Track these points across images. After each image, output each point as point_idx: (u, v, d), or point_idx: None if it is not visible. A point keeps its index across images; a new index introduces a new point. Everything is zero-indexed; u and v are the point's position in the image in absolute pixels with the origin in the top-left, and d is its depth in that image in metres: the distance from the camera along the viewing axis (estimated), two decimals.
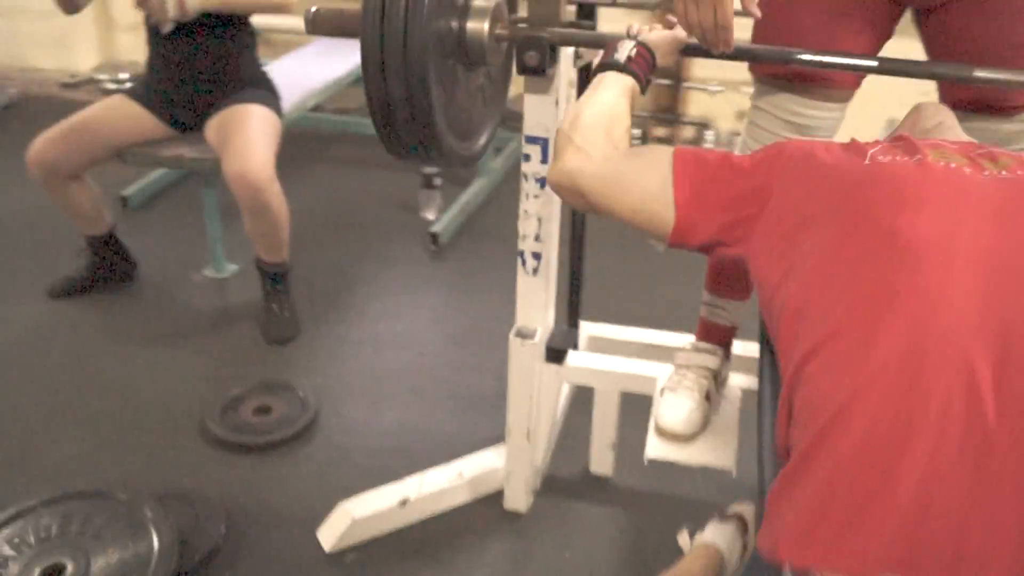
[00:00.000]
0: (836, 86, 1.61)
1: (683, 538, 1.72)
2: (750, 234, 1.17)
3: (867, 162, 1.12)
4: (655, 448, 1.80)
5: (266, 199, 2.39)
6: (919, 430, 0.88)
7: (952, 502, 0.87)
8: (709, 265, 1.90)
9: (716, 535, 1.63)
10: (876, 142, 1.20)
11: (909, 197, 1.04)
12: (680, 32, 1.49)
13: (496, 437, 2.09)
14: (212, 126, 2.51)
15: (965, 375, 0.89)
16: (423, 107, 1.47)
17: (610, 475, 2.14)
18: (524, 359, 1.88)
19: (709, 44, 1.45)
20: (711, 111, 3.80)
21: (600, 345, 2.15)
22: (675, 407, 1.82)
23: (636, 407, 2.05)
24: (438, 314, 2.81)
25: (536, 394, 1.93)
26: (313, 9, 1.63)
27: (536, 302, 1.89)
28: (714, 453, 1.79)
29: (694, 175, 1.22)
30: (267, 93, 2.59)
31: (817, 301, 1.01)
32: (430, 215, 3.30)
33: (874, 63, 1.49)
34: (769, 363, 1.36)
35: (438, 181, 3.29)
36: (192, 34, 2.49)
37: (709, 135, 3.79)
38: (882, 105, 2.49)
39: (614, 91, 1.39)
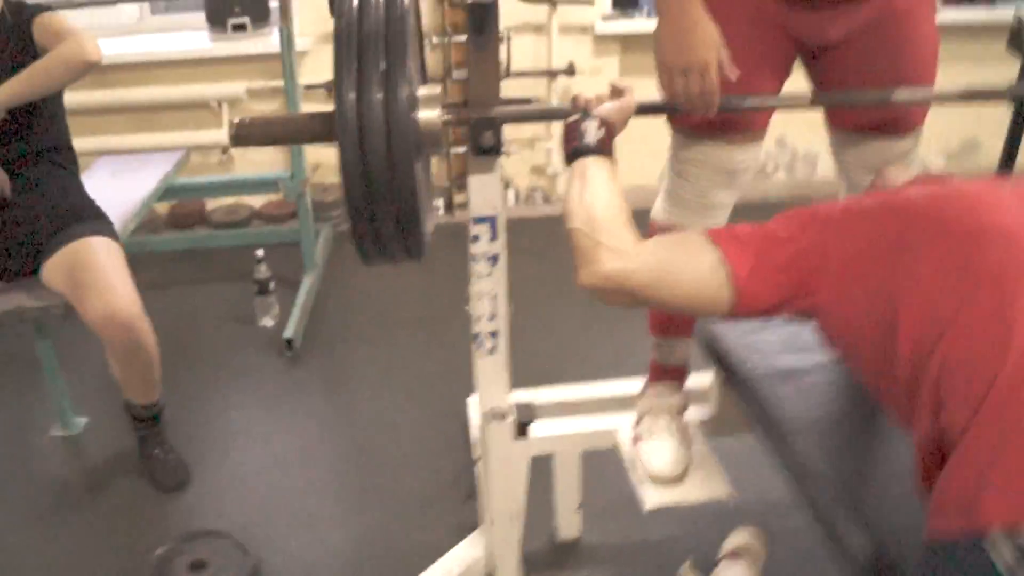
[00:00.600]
0: (757, 128, 1.72)
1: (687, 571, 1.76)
2: (821, 287, 1.26)
3: (912, 195, 1.23)
4: (653, 497, 1.83)
5: (139, 337, 2.18)
6: None
7: None
8: (652, 312, 1.96)
9: (741, 573, 1.67)
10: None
11: (978, 201, 1.15)
12: (632, 100, 1.52)
13: (455, 528, 2.06)
14: (53, 268, 2.24)
15: None
16: (410, 205, 1.44)
17: (579, 536, 2.14)
18: (502, 441, 1.84)
19: (692, 110, 1.51)
20: (507, 171, 3.91)
21: (547, 410, 2.15)
22: (659, 452, 1.86)
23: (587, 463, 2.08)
24: (327, 421, 2.68)
25: (515, 474, 1.90)
26: (237, 120, 1.54)
27: (499, 381, 1.86)
28: (708, 486, 1.85)
29: (742, 251, 1.29)
30: (103, 222, 2.36)
31: (940, 301, 1.10)
32: (268, 322, 3.14)
33: (807, 97, 1.63)
34: None
35: (272, 285, 3.14)
36: (10, 166, 2.24)
37: (509, 194, 3.89)
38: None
39: (604, 178, 1.41)
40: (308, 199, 3.34)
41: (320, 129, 1.55)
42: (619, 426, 2.02)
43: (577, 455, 2.05)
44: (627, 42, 3.76)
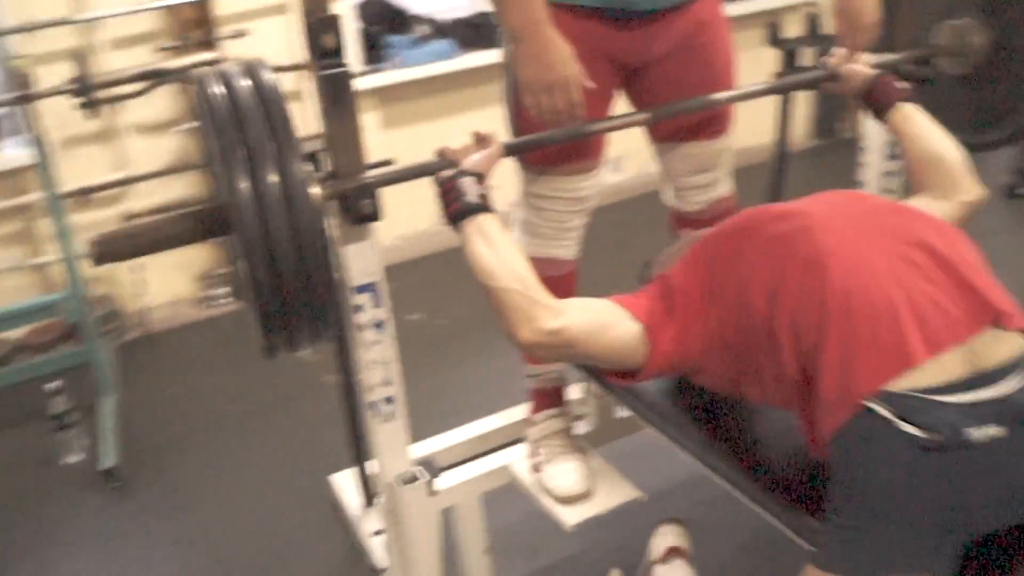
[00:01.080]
0: (598, 156, 1.86)
1: None
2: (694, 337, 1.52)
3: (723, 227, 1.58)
4: (571, 515, 1.90)
5: None
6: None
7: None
8: None
9: (681, 572, 1.75)
10: None
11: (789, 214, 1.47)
12: (498, 146, 1.60)
13: None
14: None
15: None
16: (324, 284, 1.43)
17: None
18: (416, 502, 1.83)
19: (560, 125, 1.62)
20: None
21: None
22: (565, 474, 1.93)
23: None
24: (183, 545, 2.48)
25: (431, 533, 1.89)
26: (96, 236, 1.46)
27: (400, 445, 1.86)
28: (617, 492, 1.94)
29: (641, 304, 1.54)
30: None
31: (772, 280, 1.41)
32: (75, 458, 2.88)
33: (649, 114, 1.79)
34: None
35: (72, 417, 2.88)
36: None
37: None
38: None
39: (505, 235, 1.53)
40: (91, 316, 3.11)
41: (203, 227, 1.50)
42: (511, 459, 2.08)
43: (478, 498, 2.08)
44: (384, 94, 3.84)
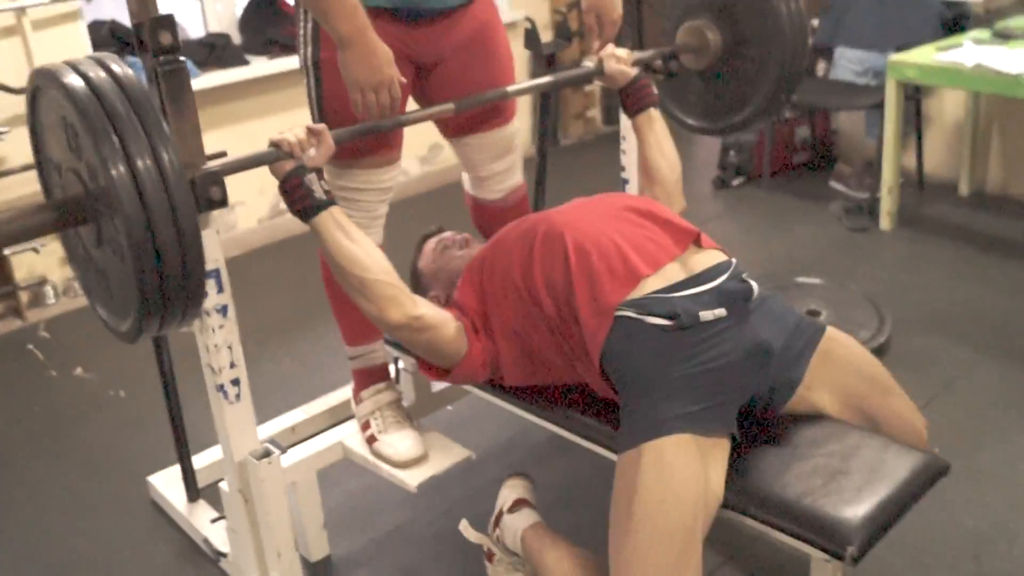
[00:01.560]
0: (398, 149, 2.04)
1: (466, 528, 2.03)
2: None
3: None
4: (414, 477, 2.06)
5: None
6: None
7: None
8: (347, 327, 2.15)
9: (528, 519, 1.96)
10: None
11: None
12: (331, 140, 1.76)
13: None
14: None
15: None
16: (196, 260, 1.51)
17: (330, 553, 2.26)
18: (271, 477, 1.91)
19: (381, 119, 1.81)
20: (43, 269, 3.67)
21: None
22: (401, 441, 2.08)
23: None
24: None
25: (283, 506, 1.98)
26: None
27: (249, 424, 1.94)
28: (449, 453, 2.12)
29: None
30: None
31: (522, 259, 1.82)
32: None
33: (452, 105, 1.99)
34: None
35: None
36: None
37: (48, 290, 3.67)
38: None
39: (354, 226, 1.75)
40: None
41: (63, 217, 1.53)
42: (343, 436, 2.21)
43: (314, 475, 2.18)
44: None
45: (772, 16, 2.32)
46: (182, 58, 1.67)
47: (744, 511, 1.61)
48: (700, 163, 4.69)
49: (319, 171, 1.75)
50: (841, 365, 1.76)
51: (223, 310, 1.84)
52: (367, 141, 1.92)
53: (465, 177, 2.30)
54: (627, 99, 2.19)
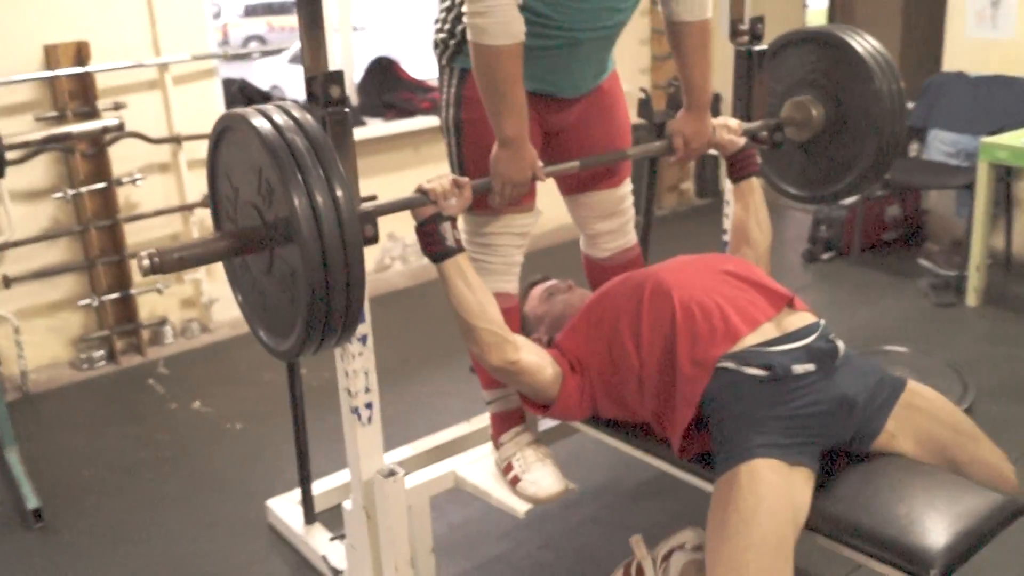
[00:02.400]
0: (534, 198, 2.20)
1: (638, 542, 2.15)
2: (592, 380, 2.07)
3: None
4: (522, 505, 2.18)
5: None
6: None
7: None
8: (482, 374, 2.28)
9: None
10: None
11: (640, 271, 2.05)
12: (470, 194, 1.94)
13: None
14: None
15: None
16: (359, 288, 1.68)
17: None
18: (395, 495, 2.07)
19: (510, 203, 2.03)
20: (159, 309, 3.93)
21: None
22: (543, 478, 2.20)
23: None
24: None
25: (404, 523, 2.12)
26: (148, 253, 1.66)
27: (377, 446, 2.10)
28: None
29: (555, 357, 2.05)
30: None
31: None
32: None
33: (577, 163, 2.16)
34: None
35: None
36: None
37: (167, 330, 3.91)
38: None
39: (475, 275, 1.95)
40: None
41: (239, 244, 1.74)
42: (454, 467, 2.35)
43: (427, 500, 2.32)
44: None
45: (873, 95, 2.45)
46: (347, 109, 1.88)
47: (829, 534, 1.72)
48: (791, 236, 4.81)
49: (454, 220, 1.94)
50: (924, 415, 1.88)
51: (363, 339, 2.02)
52: None
53: (581, 237, 2.46)
54: (733, 166, 2.35)
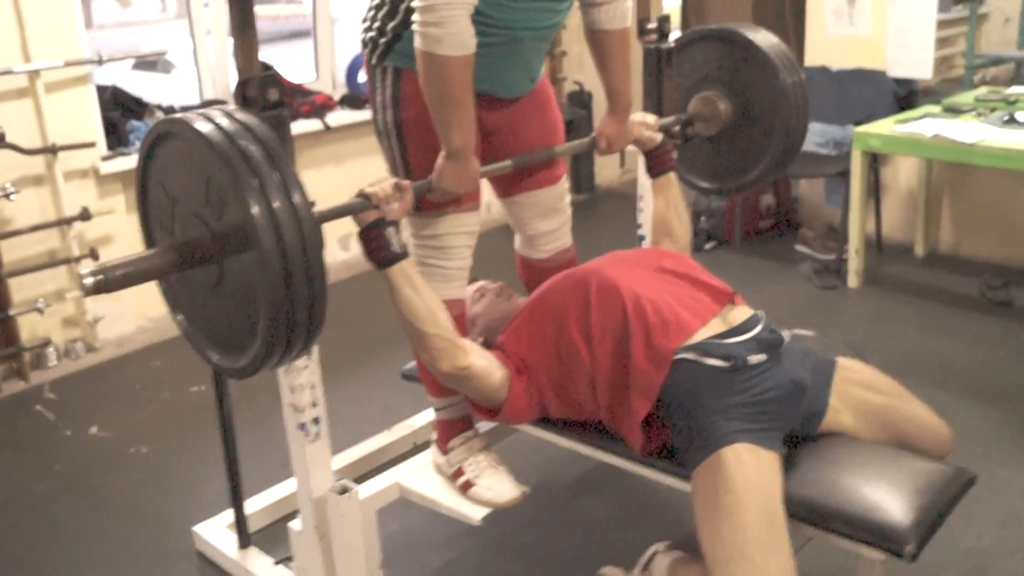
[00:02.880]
0: (478, 196, 2.17)
1: (612, 571, 2.17)
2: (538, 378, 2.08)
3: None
4: (476, 511, 2.16)
5: None
6: None
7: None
8: (428, 381, 2.24)
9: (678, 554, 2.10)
10: None
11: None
12: (411, 197, 1.92)
13: None
14: None
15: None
16: (321, 293, 1.61)
17: None
18: (351, 510, 2.01)
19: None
20: (39, 331, 3.69)
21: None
22: (498, 485, 2.17)
23: None
24: None
25: (361, 536, 2.07)
26: (91, 271, 1.56)
27: (326, 462, 2.04)
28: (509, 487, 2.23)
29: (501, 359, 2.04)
30: None
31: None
32: None
33: (510, 162, 2.16)
34: None
35: None
36: None
37: (51, 352, 3.69)
38: None
39: (422, 279, 1.93)
40: None
41: (183, 258, 1.65)
42: (398, 477, 2.30)
43: (374, 514, 2.27)
44: (127, 179, 3.83)
45: (778, 90, 2.54)
46: (285, 113, 1.82)
47: (803, 519, 1.78)
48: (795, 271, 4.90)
49: (397, 225, 1.90)
50: (859, 386, 2.00)
51: (309, 352, 1.95)
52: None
53: (516, 238, 2.45)
54: (651, 162, 2.40)
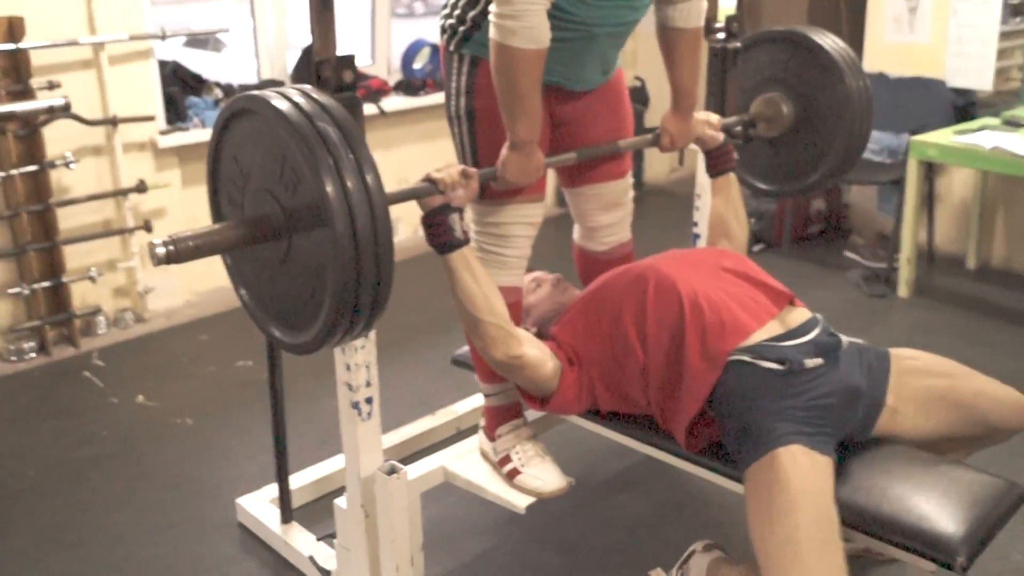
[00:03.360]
0: (543, 188, 2.17)
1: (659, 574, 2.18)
2: (591, 372, 2.08)
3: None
4: (522, 499, 2.16)
5: None
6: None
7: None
8: (480, 365, 2.25)
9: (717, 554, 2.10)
10: None
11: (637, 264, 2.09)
12: (476, 186, 1.92)
13: None
14: None
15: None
16: (388, 276, 1.62)
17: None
18: (398, 491, 2.03)
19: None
20: (91, 299, 3.74)
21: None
22: (545, 473, 2.18)
23: None
24: None
25: (407, 517, 2.08)
26: (162, 241, 1.58)
27: (376, 442, 2.05)
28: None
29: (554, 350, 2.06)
30: None
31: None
32: None
33: (574, 155, 2.17)
34: None
35: None
36: None
37: (100, 320, 3.74)
38: None
39: (481, 268, 1.94)
40: None
41: (254, 233, 1.67)
42: (443, 461, 2.31)
43: (418, 497, 2.28)
44: (183, 153, 3.88)
45: (843, 94, 2.52)
46: (359, 94, 1.83)
47: (853, 526, 1.76)
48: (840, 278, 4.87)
49: (461, 212, 1.91)
50: (917, 374, 1.98)
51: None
52: None
53: (576, 228, 2.45)
54: (712, 161, 2.39)
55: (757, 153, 2.75)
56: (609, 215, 2.37)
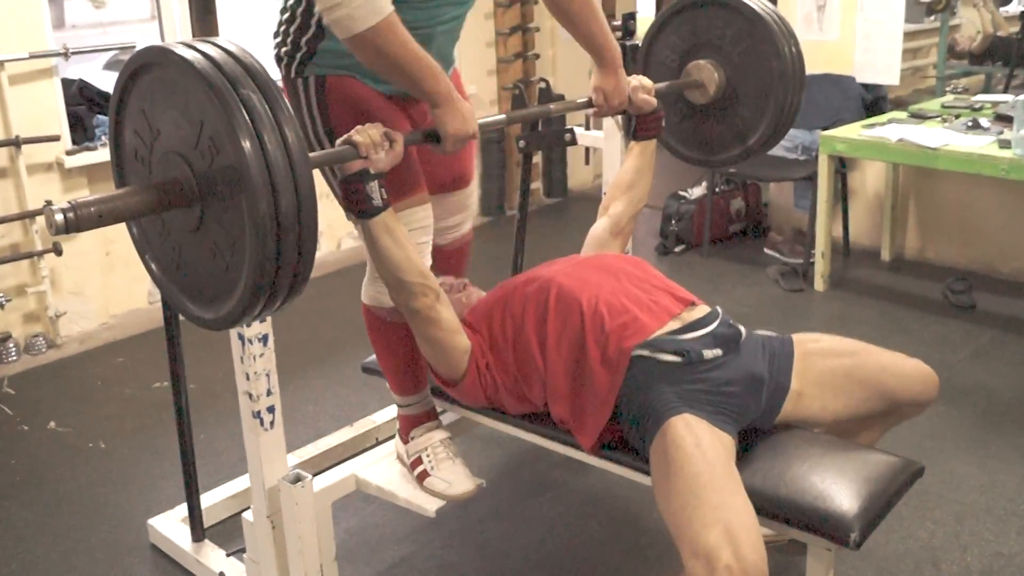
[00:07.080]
0: (424, 188, 2.13)
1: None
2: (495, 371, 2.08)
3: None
4: (431, 503, 2.14)
5: None
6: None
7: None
8: (398, 378, 2.23)
9: None
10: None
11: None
12: (401, 148, 1.82)
13: None
14: None
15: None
16: (311, 241, 1.49)
17: None
18: (305, 500, 2.00)
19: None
20: (6, 324, 3.64)
21: None
22: (453, 477, 2.15)
23: None
24: None
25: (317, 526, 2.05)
26: (60, 207, 1.39)
27: (281, 451, 2.02)
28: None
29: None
30: None
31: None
32: None
33: (504, 116, 2.15)
34: None
35: None
36: None
37: (11, 347, 3.64)
38: None
39: (402, 229, 1.88)
40: None
41: (165, 198, 1.50)
42: (355, 469, 2.29)
43: (329, 506, 2.25)
44: (92, 173, 3.79)
45: (774, 58, 2.44)
46: None
47: (756, 511, 1.75)
48: (644, 232, 4.93)
49: (382, 178, 1.81)
50: (820, 356, 2.00)
51: (264, 339, 1.95)
52: (412, 177, 2.04)
53: None
54: (641, 126, 2.39)
55: (684, 119, 2.67)
56: (456, 218, 2.38)
